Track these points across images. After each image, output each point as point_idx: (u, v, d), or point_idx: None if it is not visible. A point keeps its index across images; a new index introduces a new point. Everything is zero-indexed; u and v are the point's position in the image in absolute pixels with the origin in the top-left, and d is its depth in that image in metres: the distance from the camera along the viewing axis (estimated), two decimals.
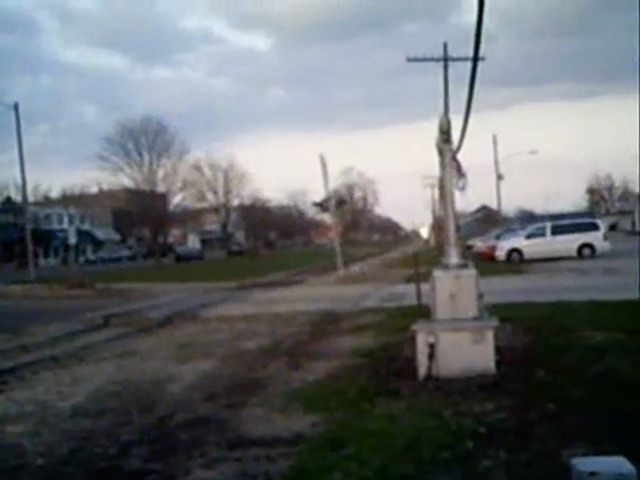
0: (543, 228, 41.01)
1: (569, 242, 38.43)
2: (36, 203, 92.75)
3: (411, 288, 18.34)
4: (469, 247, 51.35)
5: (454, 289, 9.76)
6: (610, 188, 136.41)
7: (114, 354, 13.95)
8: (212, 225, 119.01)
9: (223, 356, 12.84)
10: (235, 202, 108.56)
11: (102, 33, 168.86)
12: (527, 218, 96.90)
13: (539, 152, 69.43)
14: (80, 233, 66.57)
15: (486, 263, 35.52)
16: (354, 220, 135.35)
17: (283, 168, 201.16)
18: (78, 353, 14.33)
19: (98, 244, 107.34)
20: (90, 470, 6.81)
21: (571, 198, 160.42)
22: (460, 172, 11.39)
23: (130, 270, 61.28)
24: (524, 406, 7.62)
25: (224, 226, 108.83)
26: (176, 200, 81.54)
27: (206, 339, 15.26)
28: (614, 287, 19.98)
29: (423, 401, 8.14)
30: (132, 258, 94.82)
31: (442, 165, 10.81)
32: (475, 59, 8.60)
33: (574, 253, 38.09)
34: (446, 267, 10.24)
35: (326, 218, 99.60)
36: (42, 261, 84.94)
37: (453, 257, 10.33)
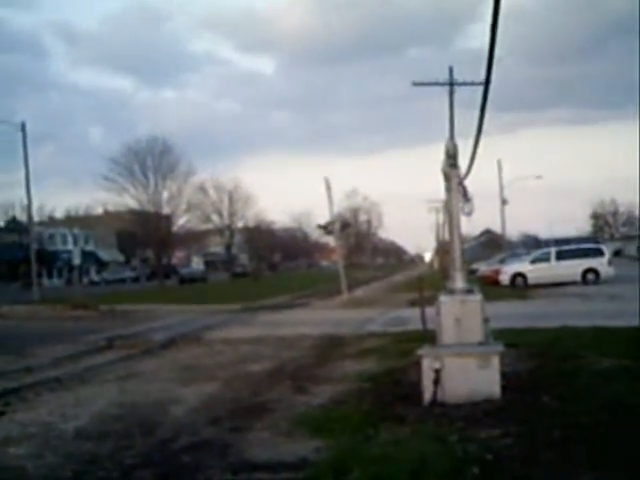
0: (548, 253, 40.97)
1: (573, 267, 38.37)
2: (41, 223, 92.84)
3: (415, 312, 18.29)
4: (473, 271, 51.28)
5: (460, 314, 9.74)
6: (615, 213, 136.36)
7: (117, 376, 13.91)
8: (216, 247, 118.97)
9: (227, 379, 12.81)
10: (239, 224, 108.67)
11: (108, 54, 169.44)
12: (531, 242, 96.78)
13: (545, 177, 69.59)
14: (84, 254, 66.81)
15: (490, 287, 35.36)
16: (358, 243, 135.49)
17: (288, 190, 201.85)
18: (82, 375, 14.29)
19: (102, 265, 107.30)
20: None
21: (575, 223, 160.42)
22: (466, 197, 11.41)
23: (134, 291, 61.26)
24: (530, 432, 7.57)
25: (228, 248, 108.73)
26: (181, 222, 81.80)
27: (210, 362, 15.23)
28: (618, 313, 19.90)
29: (428, 426, 8.08)
30: (136, 279, 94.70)
31: (448, 190, 10.79)
32: (487, 83, 8.63)
33: (578, 278, 38.01)
34: (452, 292, 10.23)
35: (330, 241, 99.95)
36: (46, 281, 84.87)
37: (459, 282, 10.32)
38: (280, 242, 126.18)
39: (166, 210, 77.01)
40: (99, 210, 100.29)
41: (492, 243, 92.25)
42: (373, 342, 16.79)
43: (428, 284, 23.50)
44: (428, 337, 11.73)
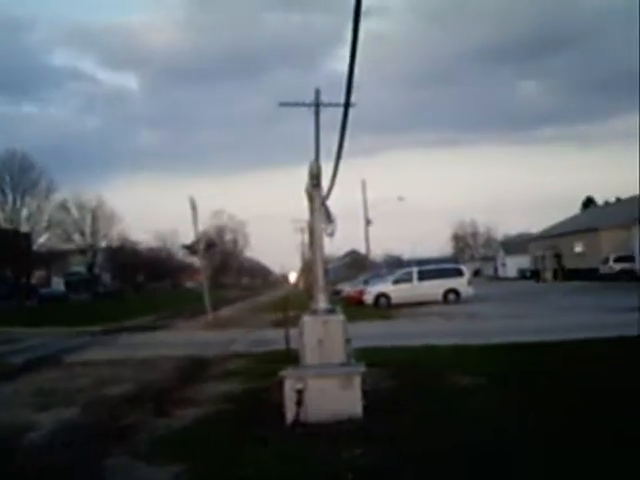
0: (410, 273, 41.90)
1: (435, 287, 39.43)
2: None
3: (280, 333, 18.29)
4: (338, 292, 51.84)
5: (322, 334, 9.78)
6: (474, 234, 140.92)
7: None
8: (78, 267, 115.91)
9: (86, 403, 12.44)
10: (103, 243, 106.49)
11: None
12: (395, 263, 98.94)
13: (408, 198, 71.28)
14: None
15: (354, 308, 35.88)
16: (224, 263, 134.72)
17: (154, 210, 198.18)
18: None
19: None
20: None
21: (437, 243, 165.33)
22: (329, 218, 11.51)
23: None
24: (391, 451, 7.67)
25: (90, 267, 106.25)
26: (41, 240, 79.51)
27: (69, 385, 14.76)
28: (477, 332, 20.59)
29: (291, 447, 8.08)
30: None
31: (311, 210, 10.85)
32: (346, 105, 8.75)
33: (440, 298, 39.06)
34: (315, 312, 10.27)
35: (196, 261, 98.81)
36: None
37: (321, 302, 10.38)
38: (144, 262, 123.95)
39: (25, 228, 74.71)
40: None
41: (357, 264, 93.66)
42: (237, 363, 16.71)
43: (293, 304, 23.59)
44: (292, 357, 11.74)
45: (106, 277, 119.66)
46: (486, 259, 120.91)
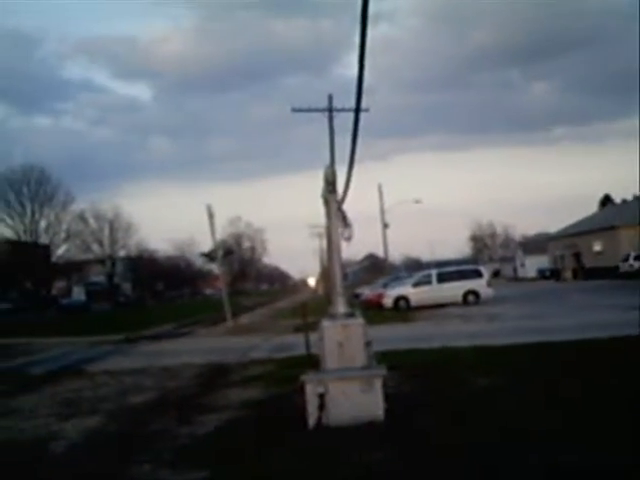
0: (429, 276, 41.79)
1: (454, 289, 39.30)
2: None
3: (300, 338, 18.28)
4: (356, 295, 51.84)
5: (342, 338, 9.80)
6: (492, 235, 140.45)
7: None
8: (98, 276, 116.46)
9: (110, 412, 12.51)
10: (121, 253, 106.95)
11: None
12: (413, 266, 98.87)
13: (424, 201, 71.08)
14: None
15: (374, 311, 35.87)
16: (242, 270, 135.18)
17: (170, 218, 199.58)
18: None
19: None
20: None
21: (456, 245, 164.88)
22: (346, 222, 11.53)
23: (10, 324, 59.14)
24: (412, 453, 7.67)
25: (110, 277, 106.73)
26: (60, 251, 79.91)
27: (92, 394, 14.85)
28: (497, 332, 20.54)
29: (313, 452, 8.09)
30: (14, 311, 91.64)
31: (328, 215, 10.87)
32: (357, 110, 8.77)
33: (459, 300, 38.93)
34: (334, 316, 10.28)
35: (214, 268, 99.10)
36: None
37: (340, 306, 10.38)
38: (163, 271, 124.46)
39: (44, 240, 75.14)
40: None
41: (375, 267, 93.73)
42: (258, 369, 16.74)
43: (313, 309, 23.61)
44: (313, 362, 11.76)
45: (126, 286, 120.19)
46: (505, 260, 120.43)
